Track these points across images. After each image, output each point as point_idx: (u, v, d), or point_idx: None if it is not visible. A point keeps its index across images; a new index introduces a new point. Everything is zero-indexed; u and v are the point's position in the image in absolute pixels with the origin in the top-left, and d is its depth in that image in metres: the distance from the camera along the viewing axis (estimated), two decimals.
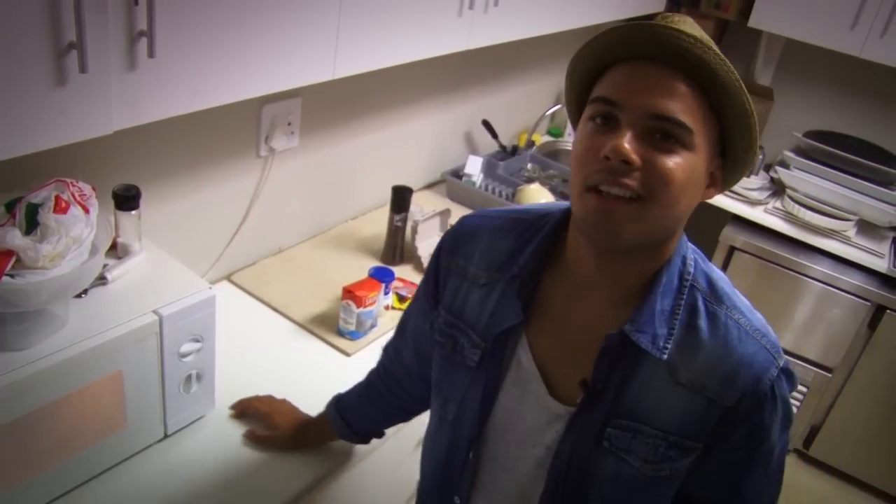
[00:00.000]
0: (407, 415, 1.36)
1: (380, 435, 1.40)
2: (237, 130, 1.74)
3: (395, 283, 1.87)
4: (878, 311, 2.62)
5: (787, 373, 0.97)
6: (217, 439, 1.39)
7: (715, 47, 0.84)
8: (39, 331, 1.10)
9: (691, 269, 0.96)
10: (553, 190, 2.48)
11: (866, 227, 2.77)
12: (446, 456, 1.12)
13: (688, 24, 0.86)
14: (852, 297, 2.64)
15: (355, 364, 1.66)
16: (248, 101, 1.26)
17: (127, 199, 1.30)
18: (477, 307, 1.05)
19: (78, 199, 1.11)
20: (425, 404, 1.26)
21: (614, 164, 0.83)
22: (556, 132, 3.12)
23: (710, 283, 0.97)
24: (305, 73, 1.34)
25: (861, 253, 2.65)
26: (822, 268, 2.67)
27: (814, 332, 2.77)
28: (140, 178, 1.44)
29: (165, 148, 1.57)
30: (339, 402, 1.37)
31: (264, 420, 1.42)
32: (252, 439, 1.39)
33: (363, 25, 1.39)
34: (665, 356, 0.92)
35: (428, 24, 1.58)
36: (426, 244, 2.06)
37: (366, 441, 1.39)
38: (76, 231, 1.08)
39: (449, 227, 1.14)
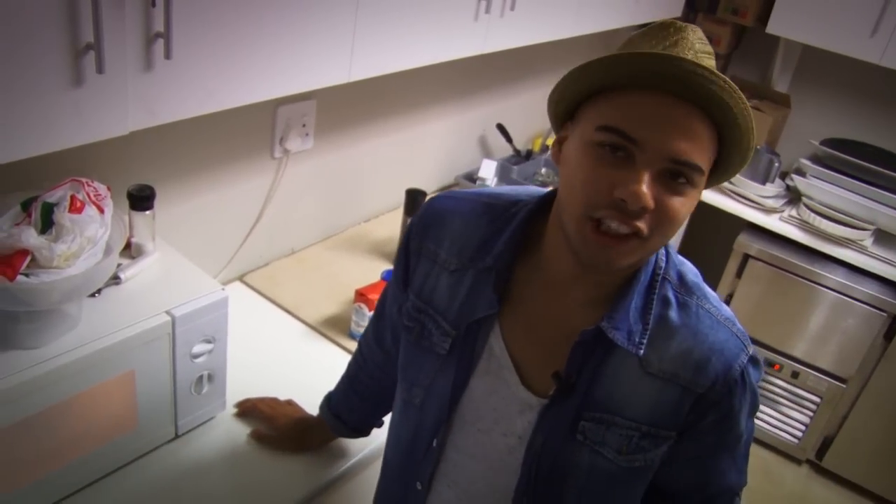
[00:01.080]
0: None
1: (379, 425, 1.39)
2: (252, 132, 1.74)
3: None
4: (895, 321, 2.60)
5: (754, 361, 0.98)
6: (228, 440, 1.39)
7: (733, 84, 0.82)
8: (52, 330, 1.11)
9: (663, 263, 0.97)
10: None
11: (883, 237, 2.73)
12: (410, 441, 1.11)
13: (700, 42, 0.86)
14: (868, 307, 2.61)
15: None
16: (262, 103, 1.26)
17: (141, 200, 1.31)
18: (447, 293, 1.04)
19: (93, 199, 1.12)
20: None
21: (633, 208, 0.82)
22: None
23: (681, 276, 0.98)
24: (321, 76, 1.34)
25: (877, 262, 2.62)
26: (837, 277, 2.64)
27: (828, 341, 2.74)
28: (154, 178, 1.45)
29: (180, 148, 1.58)
30: (329, 401, 1.37)
31: (267, 422, 1.42)
32: (255, 438, 1.40)
33: (379, 28, 1.39)
34: (641, 352, 0.93)
35: (444, 27, 1.57)
36: None
37: (365, 434, 1.39)
38: (91, 231, 1.09)
39: (421, 207, 1.12)
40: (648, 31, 0.88)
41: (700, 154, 0.83)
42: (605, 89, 0.86)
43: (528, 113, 2.80)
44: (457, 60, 1.69)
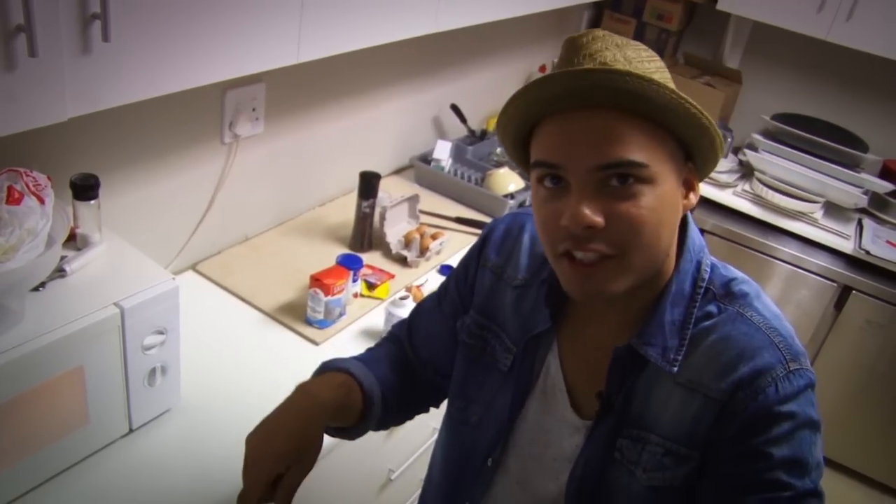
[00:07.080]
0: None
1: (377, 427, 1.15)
2: (200, 116, 1.69)
3: (364, 271, 1.85)
4: (845, 291, 2.65)
5: (799, 378, 0.85)
6: (183, 432, 1.36)
7: (636, 64, 0.79)
8: None
9: (706, 275, 0.92)
10: (522, 175, 2.47)
11: (833, 209, 2.79)
12: (461, 460, 1.09)
13: (600, 43, 0.81)
14: (819, 278, 2.67)
15: (324, 353, 1.63)
16: (210, 87, 1.23)
17: (85, 189, 1.26)
18: (510, 309, 1.03)
19: (32, 189, 1.08)
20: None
21: (577, 232, 0.80)
22: None
23: (727, 285, 0.93)
24: (268, 58, 1.30)
25: (828, 234, 2.68)
26: (789, 249, 2.69)
27: (782, 313, 2.79)
28: (99, 166, 1.40)
29: (125, 135, 1.53)
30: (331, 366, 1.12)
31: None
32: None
33: (328, 7, 1.36)
34: (675, 369, 0.88)
35: (395, 6, 1.54)
36: (394, 230, 2.03)
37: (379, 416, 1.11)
38: (31, 223, 1.04)
39: (493, 220, 1.11)
40: (560, 59, 0.86)
41: (632, 148, 0.79)
42: (534, 126, 0.86)
43: (482, 93, 2.79)
44: (409, 40, 1.66)
